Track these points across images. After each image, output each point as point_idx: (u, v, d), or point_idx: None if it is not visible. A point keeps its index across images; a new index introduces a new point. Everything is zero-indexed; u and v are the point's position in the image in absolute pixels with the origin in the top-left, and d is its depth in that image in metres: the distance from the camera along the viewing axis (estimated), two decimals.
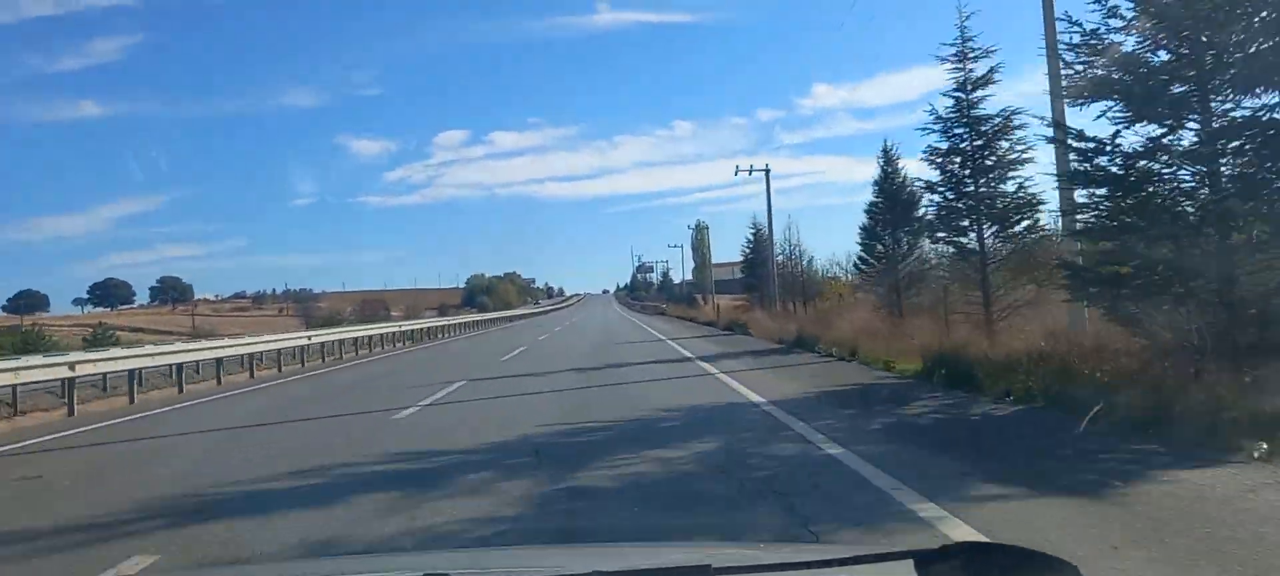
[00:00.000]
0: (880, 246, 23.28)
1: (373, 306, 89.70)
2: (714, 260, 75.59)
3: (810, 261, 38.99)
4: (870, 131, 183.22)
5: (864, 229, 23.81)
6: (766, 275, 41.06)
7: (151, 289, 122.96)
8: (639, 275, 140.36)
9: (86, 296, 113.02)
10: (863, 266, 25.16)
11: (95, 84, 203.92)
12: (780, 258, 38.87)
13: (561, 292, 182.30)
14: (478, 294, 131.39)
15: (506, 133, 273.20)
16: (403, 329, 36.44)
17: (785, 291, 37.94)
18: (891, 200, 22.60)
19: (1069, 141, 9.48)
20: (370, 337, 30.99)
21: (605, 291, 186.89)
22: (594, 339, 32.10)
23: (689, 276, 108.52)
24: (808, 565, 1.47)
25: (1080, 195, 9.90)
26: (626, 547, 3.65)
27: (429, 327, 41.57)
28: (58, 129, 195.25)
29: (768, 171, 36.41)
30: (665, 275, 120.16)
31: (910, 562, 1.25)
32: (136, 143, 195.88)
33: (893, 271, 21.92)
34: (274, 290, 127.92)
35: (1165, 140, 8.61)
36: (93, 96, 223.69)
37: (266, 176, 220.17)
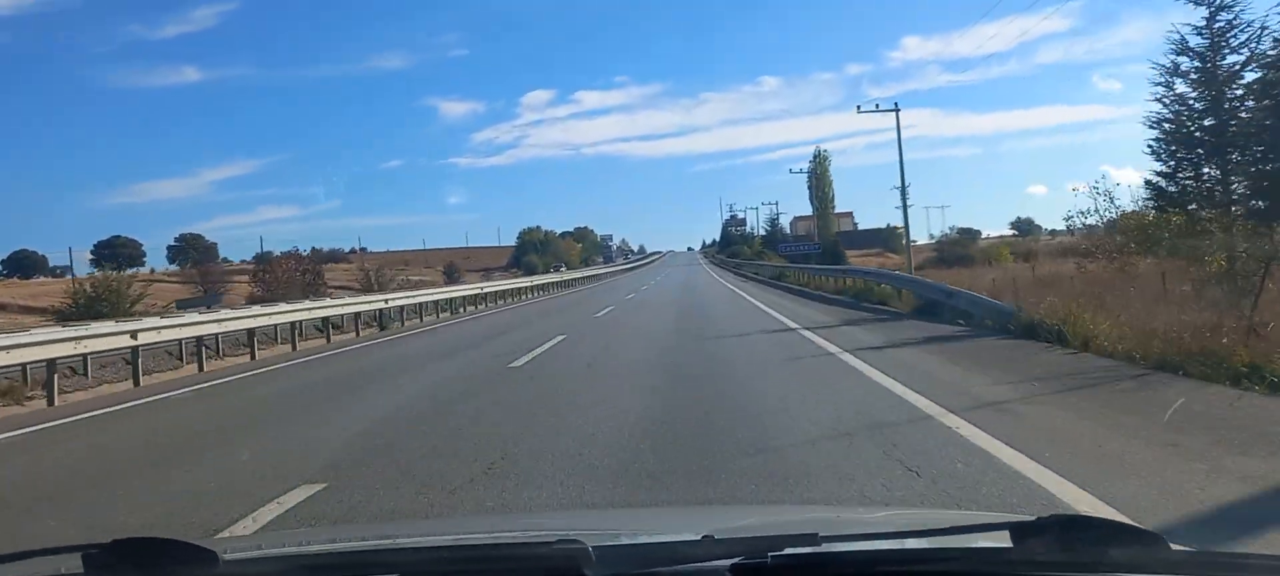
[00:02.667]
0: None
1: (299, 267, 49.02)
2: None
3: None
4: (962, 84, 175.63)
5: None
6: None
7: (169, 248, 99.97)
8: (732, 227, 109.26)
9: (92, 256, 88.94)
10: None
11: (195, 51, 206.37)
12: None
13: (641, 250, 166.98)
14: (528, 251, 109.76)
15: (592, 92, 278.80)
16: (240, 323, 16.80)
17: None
18: None
19: None
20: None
21: (690, 248, 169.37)
22: None
23: (785, 227, 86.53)
24: (909, 534, 1.58)
25: None
26: (736, 508, 3.87)
27: (329, 316, 20.31)
28: (162, 94, 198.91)
29: None
30: (773, 221, 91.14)
31: (1006, 532, 1.33)
32: (234, 107, 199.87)
33: None
34: (317, 249, 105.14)
35: None
36: (194, 62, 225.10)
37: (358, 139, 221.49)
